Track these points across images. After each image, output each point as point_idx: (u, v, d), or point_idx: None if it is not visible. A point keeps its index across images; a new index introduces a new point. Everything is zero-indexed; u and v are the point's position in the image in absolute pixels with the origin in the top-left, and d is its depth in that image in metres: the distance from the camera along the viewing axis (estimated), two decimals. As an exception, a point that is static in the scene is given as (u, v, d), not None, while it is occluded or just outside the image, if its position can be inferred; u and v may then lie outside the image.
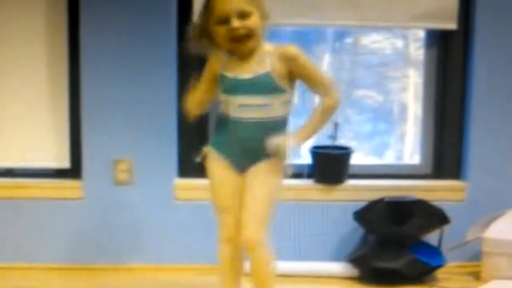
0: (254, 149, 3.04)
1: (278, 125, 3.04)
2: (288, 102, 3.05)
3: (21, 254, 4.04)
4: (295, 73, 3.01)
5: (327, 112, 3.06)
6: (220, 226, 3.13)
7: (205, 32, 3.01)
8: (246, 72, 2.99)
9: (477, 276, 3.92)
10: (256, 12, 2.95)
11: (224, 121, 3.09)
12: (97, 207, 4.03)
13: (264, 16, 2.99)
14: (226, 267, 3.18)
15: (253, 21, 2.94)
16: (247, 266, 3.15)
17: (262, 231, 3.06)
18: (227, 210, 3.11)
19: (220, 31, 2.95)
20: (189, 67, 3.77)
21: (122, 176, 4.02)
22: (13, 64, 4.04)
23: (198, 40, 3.04)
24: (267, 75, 2.97)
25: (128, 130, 3.99)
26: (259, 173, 3.06)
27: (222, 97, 3.06)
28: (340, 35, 4.46)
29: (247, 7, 2.92)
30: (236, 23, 2.91)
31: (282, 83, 2.99)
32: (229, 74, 3.01)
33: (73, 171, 4.09)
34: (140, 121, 3.97)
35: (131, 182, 4.03)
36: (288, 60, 2.98)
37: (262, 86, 2.98)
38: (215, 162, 3.12)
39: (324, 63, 4.46)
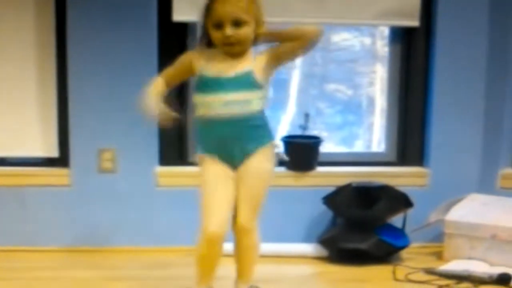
0: (241, 145, 3.00)
1: (259, 120, 3.01)
2: (264, 97, 3.01)
3: (12, 238, 4.00)
4: (275, 52, 2.99)
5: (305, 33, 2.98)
6: (204, 224, 2.99)
7: (204, 31, 2.99)
8: (229, 71, 2.95)
9: (439, 256, 3.90)
10: (251, 20, 2.92)
11: (206, 124, 3.02)
12: (84, 193, 4.01)
13: (258, 23, 2.96)
14: (206, 262, 3.09)
15: (246, 31, 2.91)
16: (228, 247, 3.12)
17: (255, 219, 3.06)
18: (216, 213, 2.99)
19: (215, 35, 2.92)
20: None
21: (107, 165, 3.99)
22: (2, 57, 3.98)
23: (202, 38, 3.02)
24: (249, 74, 2.94)
25: (112, 122, 3.96)
26: (255, 163, 3.02)
27: (201, 98, 3.00)
28: (313, 33, 4.42)
29: (242, 16, 2.89)
30: (229, 31, 2.88)
31: (261, 79, 2.96)
32: (210, 74, 2.96)
33: (61, 160, 4.05)
34: (123, 113, 3.91)
35: (115, 170, 4.00)
36: (268, 51, 3.00)
37: (244, 83, 2.95)
38: (208, 164, 3.04)
39: (297, 59, 4.41)
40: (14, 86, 4.01)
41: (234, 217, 3.04)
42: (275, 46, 3.00)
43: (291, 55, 3.09)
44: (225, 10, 2.88)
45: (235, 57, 2.96)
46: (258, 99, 2.98)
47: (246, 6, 2.90)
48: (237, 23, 2.89)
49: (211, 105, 2.96)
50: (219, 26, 2.89)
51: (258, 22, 2.96)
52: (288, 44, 2.97)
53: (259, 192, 3.05)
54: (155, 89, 3.04)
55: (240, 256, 3.14)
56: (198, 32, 3.06)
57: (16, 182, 3.99)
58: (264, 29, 2.97)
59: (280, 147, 3.11)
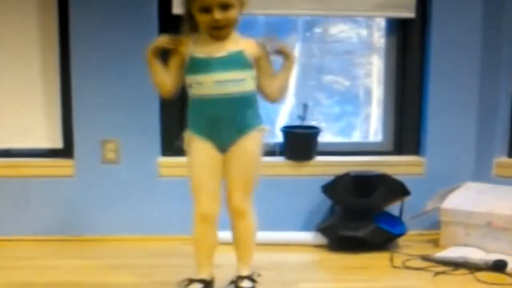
0: (234, 123, 3.00)
1: (251, 100, 3.02)
2: (254, 78, 3.01)
3: (17, 228, 3.99)
4: (260, 60, 3.00)
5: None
6: (196, 205, 3.05)
7: (188, 16, 2.97)
8: (219, 51, 2.96)
9: (435, 243, 3.89)
10: (237, 2, 2.91)
11: (198, 104, 3.02)
12: (88, 184, 3.99)
13: (242, 4, 2.95)
14: (203, 243, 3.12)
15: (233, 13, 2.91)
16: (226, 235, 3.13)
17: (249, 200, 3.06)
18: (205, 189, 3.03)
19: (202, 19, 2.91)
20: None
21: (110, 155, 3.97)
22: (6, 51, 3.96)
23: (187, 21, 3.00)
24: (240, 53, 2.96)
25: (115, 113, 3.94)
26: (245, 145, 3.02)
27: (193, 78, 2.99)
28: (310, 25, 4.42)
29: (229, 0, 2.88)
30: (218, 15, 2.87)
31: (252, 61, 2.97)
32: (200, 55, 2.96)
33: (65, 151, 4.03)
34: (126, 105, 3.93)
35: (118, 161, 3.99)
36: (261, 48, 3.00)
37: (237, 62, 2.95)
38: (196, 144, 3.04)
39: (295, 51, 4.39)
40: (19, 79, 3.99)
41: (228, 199, 3.05)
42: (266, 59, 3.03)
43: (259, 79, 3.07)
44: None
45: (222, 40, 2.96)
46: (250, 79, 2.99)
47: None
48: (225, 7, 2.88)
49: (204, 84, 2.96)
50: (207, 10, 2.88)
51: (243, 4, 2.96)
52: (266, 78, 3.03)
53: (250, 173, 3.05)
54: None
55: (238, 240, 3.14)
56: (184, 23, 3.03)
57: (20, 173, 3.98)
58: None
59: (268, 132, 3.08)
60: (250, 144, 3.04)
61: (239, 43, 2.99)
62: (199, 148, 3.04)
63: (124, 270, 3.53)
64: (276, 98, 3.09)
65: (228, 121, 2.99)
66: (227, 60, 2.95)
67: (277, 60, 3.08)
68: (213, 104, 2.97)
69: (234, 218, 3.10)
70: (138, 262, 3.66)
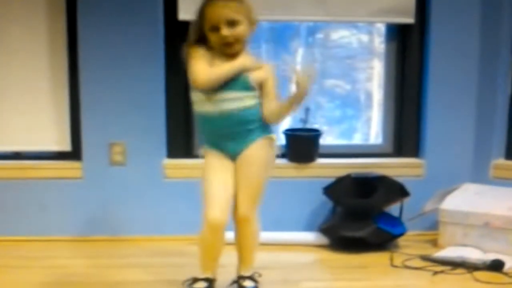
0: (236, 139, 2.98)
1: (252, 115, 2.98)
2: (256, 97, 2.97)
3: (28, 228, 3.98)
4: (264, 83, 2.97)
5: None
6: (206, 214, 2.98)
7: (200, 35, 2.94)
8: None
9: (434, 243, 3.87)
10: (244, 19, 2.89)
11: (202, 120, 3.01)
12: (95, 185, 3.98)
13: (251, 22, 2.94)
14: (209, 249, 3.08)
15: (241, 29, 2.90)
16: (230, 235, 3.10)
17: (255, 208, 3.04)
18: (216, 198, 2.98)
19: (212, 37, 2.89)
20: (175, 63, 3.73)
21: (117, 158, 3.96)
22: (16, 55, 3.95)
23: (195, 41, 2.95)
24: (245, 76, 2.92)
25: (122, 117, 3.93)
26: (251, 154, 2.99)
27: (196, 96, 2.97)
28: (312, 31, 4.40)
29: (235, 16, 2.87)
30: (225, 31, 2.86)
31: (254, 84, 2.94)
32: None
33: (74, 154, 4.03)
34: (133, 108, 3.92)
35: (125, 163, 3.97)
36: (262, 70, 2.96)
37: (238, 83, 2.92)
38: (209, 155, 3.03)
39: (298, 56, 4.40)
40: (28, 83, 3.98)
41: (234, 207, 3.02)
42: (271, 83, 2.99)
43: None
44: (217, 12, 2.86)
45: (232, 57, 2.93)
46: (251, 98, 2.96)
47: (236, 7, 2.89)
48: (232, 23, 2.87)
49: (205, 102, 2.94)
50: (215, 29, 2.87)
51: (251, 21, 2.94)
52: (267, 100, 2.98)
53: (257, 181, 3.02)
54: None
55: (240, 244, 3.12)
56: (191, 34, 2.98)
57: (30, 175, 3.97)
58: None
59: (278, 141, 3.06)
60: (256, 153, 3.00)
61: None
62: (213, 158, 3.03)
63: (130, 269, 3.51)
64: (270, 121, 3.02)
65: (231, 135, 2.98)
66: (232, 82, 2.90)
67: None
68: (214, 121, 2.95)
69: (238, 225, 3.08)
70: (144, 261, 3.64)
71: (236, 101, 2.92)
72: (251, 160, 3.00)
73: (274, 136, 3.08)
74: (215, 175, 3.00)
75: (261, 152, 3.01)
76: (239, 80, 2.91)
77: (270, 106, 2.98)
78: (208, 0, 2.90)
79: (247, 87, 2.93)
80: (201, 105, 2.96)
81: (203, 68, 2.89)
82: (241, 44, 2.93)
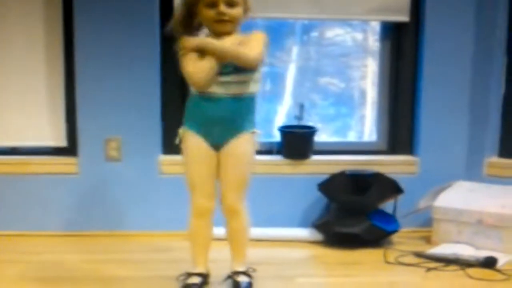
0: (231, 124, 2.96)
1: (251, 103, 2.99)
2: (258, 81, 2.98)
3: (24, 223, 3.97)
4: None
5: (241, 55, 2.87)
6: (193, 201, 3.04)
7: (192, 12, 2.94)
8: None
9: (428, 240, 3.86)
10: (241, 4, 2.90)
11: (198, 102, 2.97)
12: (91, 181, 3.97)
13: (246, 9, 2.94)
14: (198, 238, 3.11)
15: (238, 11, 2.89)
16: (221, 231, 3.11)
17: (242, 199, 3.03)
18: (201, 185, 3.01)
19: (208, 13, 2.88)
20: (170, 59, 3.67)
21: (113, 153, 3.95)
22: (12, 51, 3.94)
23: (183, 19, 2.96)
24: None
25: (118, 112, 3.91)
26: (237, 146, 2.98)
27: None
28: (307, 29, 4.41)
29: None
30: (223, 8, 2.86)
31: None
32: None
33: (69, 149, 4.01)
34: (128, 104, 3.91)
35: (120, 159, 3.96)
36: (250, 35, 2.93)
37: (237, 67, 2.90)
38: (191, 140, 3.01)
39: (293, 54, 4.41)
40: (25, 80, 3.97)
41: (222, 199, 3.02)
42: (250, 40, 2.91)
43: None
44: None
45: (224, 36, 2.91)
46: (254, 82, 2.95)
47: None
48: (230, 4, 2.87)
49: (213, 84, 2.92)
50: (212, 5, 2.86)
51: (247, 8, 2.95)
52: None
53: (242, 173, 3.02)
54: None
55: (232, 238, 3.12)
56: (177, 17, 2.98)
57: (26, 171, 3.96)
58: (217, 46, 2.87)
59: (260, 136, 3.06)
60: (242, 145, 3.00)
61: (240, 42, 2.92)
62: (194, 144, 3.01)
63: (126, 264, 3.50)
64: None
65: (225, 122, 2.95)
66: (231, 64, 2.89)
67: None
68: (214, 103, 2.93)
69: (227, 217, 3.07)
70: (140, 257, 3.64)
71: (241, 85, 2.92)
72: (237, 152, 2.99)
73: (258, 131, 3.07)
74: (199, 162, 3.01)
75: (246, 145, 3.01)
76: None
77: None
78: None
79: (249, 73, 2.92)
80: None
81: (195, 71, 2.87)
82: (234, 26, 2.92)
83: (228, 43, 2.87)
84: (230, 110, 2.94)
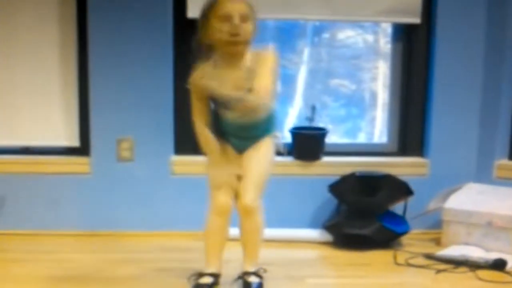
0: (250, 139, 3.03)
1: (269, 117, 3.02)
2: (274, 97, 2.96)
3: (36, 223, 3.97)
4: (257, 67, 2.89)
5: (248, 103, 2.89)
6: (213, 200, 3.05)
7: (204, 29, 2.91)
8: (240, 88, 2.89)
9: (438, 241, 3.86)
10: (253, 22, 2.88)
11: (221, 120, 3.05)
12: (103, 181, 3.98)
13: (255, 27, 2.92)
14: (215, 237, 3.11)
15: (250, 27, 2.87)
16: (234, 231, 3.11)
17: (258, 199, 3.03)
18: (222, 183, 3.03)
19: (221, 28, 2.84)
20: (184, 60, 3.73)
21: (125, 154, 3.95)
22: (26, 51, 3.95)
23: (199, 38, 2.94)
24: None
25: (130, 113, 3.92)
26: (256, 148, 3.03)
27: (220, 109, 3.01)
28: (319, 31, 4.41)
29: (248, 13, 2.85)
30: (237, 21, 2.83)
31: None
32: (221, 94, 2.94)
33: (82, 149, 4.02)
34: (141, 105, 3.91)
35: (133, 159, 3.97)
36: (260, 57, 2.90)
37: None
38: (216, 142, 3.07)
39: (304, 56, 4.41)
40: (38, 80, 3.97)
41: (238, 198, 3.03)
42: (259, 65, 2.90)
43: None
44: (233, 5, 2.85)
45: (235, 67, 2.91)
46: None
47: (248, 6, 2.88)
48: (243, 19, 2.85)
49: (230, 115, 2.97)
50: (227, 19, 2.84)
51: (255, 26, 2.92)
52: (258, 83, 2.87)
53: (260, 173, 3.03)
54: (212, 144, 3.04)
55: (245, 238, 3.11)
56: (196, 41, 2.96)
57: (39, 170, 3.96)
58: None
59: (280, 138, 3.09)
60: (262, 148, 3.04)
61: (253, 73, 2.89)
62: (219, 146, 3.07)
63: (137, 264, 3.51)
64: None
65: (244, 136, 3.04)
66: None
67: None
68: (238, 127, 3.01)
69: (242, 216, 3.07)
70: (152, 256, 3.65)
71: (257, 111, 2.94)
72: (256, 154, 3.03)
73: (279, 134, 3.13)
74: (220, 163, 3.04)
75: (266, 147, 3.05)
76: None
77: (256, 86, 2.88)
78: None
79: None
80: (225, 114, 3.00)
81: (198, 117, 3.02)
82: (246, 47, 2.91)
83: (235, 93, 2.89)
84: (250, 130, 3.02)
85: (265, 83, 2.83)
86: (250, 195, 3.01)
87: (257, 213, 3.05)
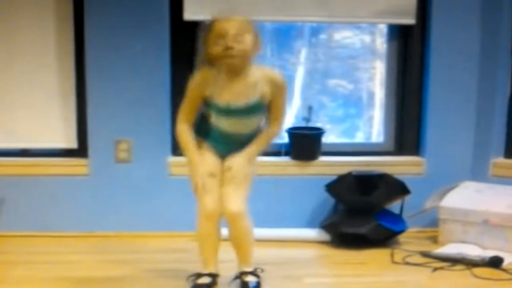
0: (239, 145, 3.06)
1: (256, 131, 3.08)
2: (263, 118, 3.08)
3: (35, 224, 3.98)
4: (272, 97, 3.01)
5: (270, 137, 3.10)
6: (201, 205, 3.07)
7: (204, 51, 2.98)
8: (238, 99, 2.96)
9: (434, 240, 3.87)
10: (250, 38, 2.91)
11: (212, 127, 3.07)
12: (101, 182, 3.99)
13: (256, 44, 2.96)
14: (208, 240, 3.13)
15: (246, 45, 2.90)
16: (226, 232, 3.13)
17: (243, 203, 3.04)
18: (210, 189, 3.04)
19: (216, 47, 2.90)
20: (181, 61, 3.86)
21: (123, 155, 3.97)
22: (24, 53, 3.96)
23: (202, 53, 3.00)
24: (259, 102, 2.99)
25: (128, 114, 3.93)
26: (239, 153, 3.05)
27: (211, 114, 3.04)
28: (316, 31, 4.41)
29: (242, 32, 2.89)
30: (231, 42, 2.87)
31: (266, 105, 3.03)
32: (221, 102, 2.98)
33: (80, 151, 4.03)
34: (138, 106, 3.92)
35: (130, 160, 3.98)
36: (274, 86, 2.99)
37: (253, 110, 2.99)
38: (204, 148, 3.10)
39: (301, 56, 4.42)
40: (36, 82, 3.98)
41: (223, 204, 3.04)
42: (275, 105, 3.05)
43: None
44: (227, 24, 2.89)
45: (239, 82, 2.96)
46: (261, 119, 3.07)
47: (246, 25, 2.92)
48: (239, 35, 2.89)
49: (221, 122, 3.02)
50: (221, 38, 2.88)
51: (256, 42, 2.96)
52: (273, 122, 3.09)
53: (244, 178, 3.05)
54: (190, 144, 3.08)
55: (236, 242, 3.12)
56: (199, 54, 3.05)
57: (37, 172, 3.97)
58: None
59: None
60: (246, 152, 3.07)
61: (258, 86, 2.98)
62: (204, 150, 3.09)
63: (135, 265, 3.52)
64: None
65: (232, 145, 3.06)
66: (246, 109, 2.97)
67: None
68: (226, 135, 3.05)
69: (229, 222, 3.08)
70: (150, 257, 3.66)
71: (251, 125, 3.04)
72: (242, 155, 3.06)
73: None
74: (206, 168, 3.05)
75: (249, 150, 3.08)
76: (255, 106, 2.98)
77: (270, 125, 3.09)
78: (219, 14, 2.95)
79: (262, 109, 3.03)
80: (217, 121, 3.03)
81: (183, 117, 3.06)
82: (242, 61, 2.94)
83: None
84: (241, 142, 3.06)
85: (283, 114, 3.09)
86: (235, 201, 3.03)
87: (243, 218, 3.06)
